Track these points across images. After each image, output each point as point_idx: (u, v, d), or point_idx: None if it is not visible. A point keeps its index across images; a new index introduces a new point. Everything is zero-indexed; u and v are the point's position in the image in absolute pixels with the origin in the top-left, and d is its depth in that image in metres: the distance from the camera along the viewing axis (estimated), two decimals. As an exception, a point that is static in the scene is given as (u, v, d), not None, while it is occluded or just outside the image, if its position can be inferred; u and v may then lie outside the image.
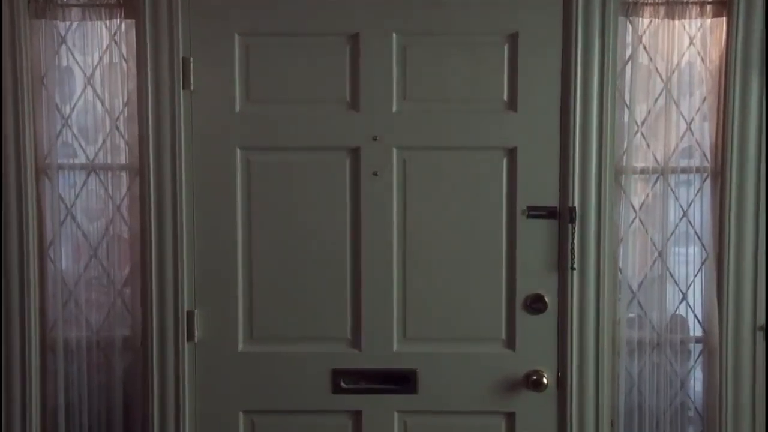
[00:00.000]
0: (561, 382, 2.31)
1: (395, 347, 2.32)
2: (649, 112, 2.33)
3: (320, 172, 2.29)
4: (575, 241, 2.26)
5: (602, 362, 2.29)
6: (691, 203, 2.37)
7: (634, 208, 2.37)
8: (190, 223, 2.30)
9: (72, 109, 2.35)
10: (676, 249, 2.37)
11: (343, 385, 2.32)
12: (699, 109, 2.34)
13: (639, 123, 2.34)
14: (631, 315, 2.38)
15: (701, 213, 2.36)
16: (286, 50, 2.27)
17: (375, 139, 2.27)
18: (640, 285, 2.37)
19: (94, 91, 2.35)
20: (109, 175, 2.36)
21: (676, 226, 2.37)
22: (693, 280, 2.39)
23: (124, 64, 2.32)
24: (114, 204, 2.37)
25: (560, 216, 2.28)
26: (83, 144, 2.36)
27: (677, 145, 2.34)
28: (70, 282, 2.38)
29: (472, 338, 2.32)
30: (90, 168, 2.37)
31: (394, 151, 2.28)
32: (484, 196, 2.29)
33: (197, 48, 2.26)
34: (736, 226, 2.30)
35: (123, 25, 2.32)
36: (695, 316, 2.41)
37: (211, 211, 2.30)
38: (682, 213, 2.38)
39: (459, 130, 2.27)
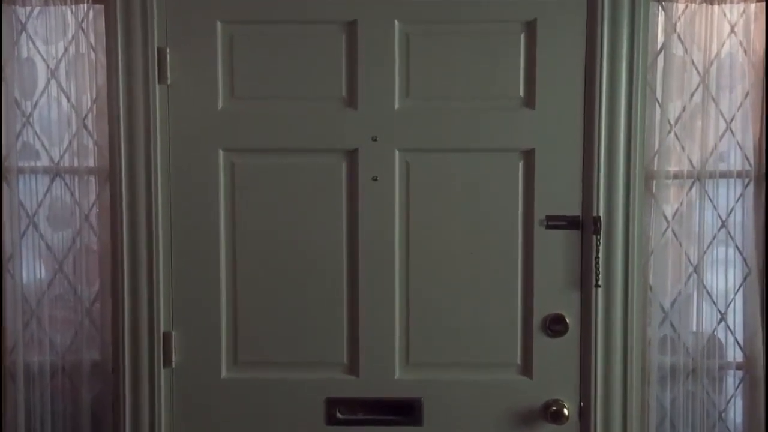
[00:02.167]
0: (584, 414, 2.30)
1: (397, 373, 2.31)
2: (683, 109, 2.32)
3: (313, 176, 2.28)
4: (600, 255, 2.24)
5: (630, 391, 2.28)
6: (731, 212, 2.36)
7: (666, 217, 2.35)
8: (167, 234, 2.29)
9: (34, 106, 2.34)
10: (714, 263, 2.37)
11: (339, 415, 2.31)
12: (741, 105, 2.33)
13: (672, 122, 2.33)
14: (663, 337, 2.37)
15: (742, 223, 2.36)
16: (274, 40, 2.25)
17: (375, 139, 2.26)
18: (672, 303, 2.36)
19: (59, 85, 2.34)
20: (76, 179, 2.35)
21: (714, 237, 2.37)
22: (733, 298, 2.38)
23: (93, 55, 2.31)
24: (81, 212, 2.36)
25: (583, 226, 2.27)
26: (47, 144, 2.35)
27: (715, 147, 2.34)
28: (32, 299, 2.37)
29: (484, 364, 2.31)
30: (54, 171, 2.36)
31: (396, 153, 2.27)
32: (497, 204, 2.27)
33: (175, 37, 2.24)
34: (782, 237, 2.29)
35: (91, 12, 2.30)
36: (735, 339, 2.40)
37: (191, 221, 2.29)
38: (720, 223, 2.37)
39: (469, 129, 2.25)
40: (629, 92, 2.22)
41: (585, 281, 2.27)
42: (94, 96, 2.31)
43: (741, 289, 2.37)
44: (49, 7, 2.30)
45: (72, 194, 2.36)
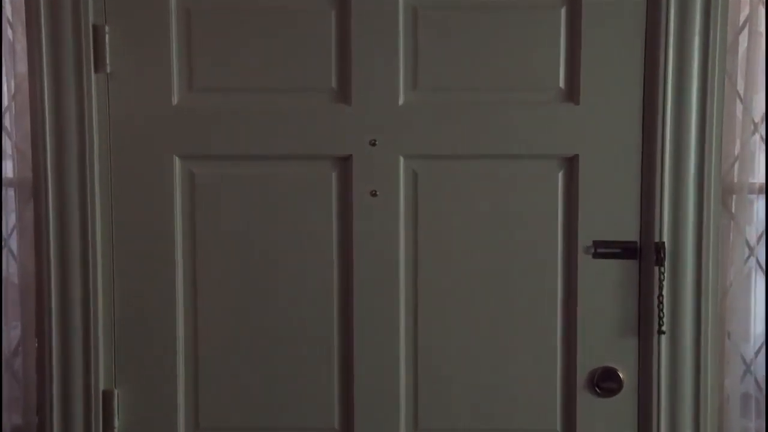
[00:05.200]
0: (643, 496, 2.26)
1: (403, 443, 2.29)
2: (773, 103, 2.29)
3: (295, 191, 2.21)
4: (664, 292, 2.14)
5: (704, 465, 2.25)
6: (832, 236, 2.33)
7: (748, 242, 2.31)
8: (107, 265, 2.22)
9: (-64, 102, 2.32)
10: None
11: (328, 496, 2.29)
12: None
13: (757, 120, 2.29)
14: (745, 396, 2.35)
15: None
16: (244, 16, 2.18)
17: (373, 143, 2.18)
18: (757, 353, 2.34)
19: (-32, 75, 2.31)
20: (-8, 194, 2.34)
21: (813, 268, 2.35)
22: (836, 348, 2.36)
23: (10, 34, 2.30)
24: (-2, 235, 2.34)
25: (642, 255, 2.17)
26: (-47, 150, 2.33)
27: (814, 152, 2.30)
28: (-65, 347, 2.35)
29: (514, 430, 2.24)
30: (-36, 184, 2.33)
31: (401, 160, 2.19)
32: (530, 227, 2.19)
33: (115, 12, 2.17)
34: None
35: (7, -20, 2.31)
36: (839, 398, 2.36)
37: (138, 247, 2.23)
38: (820, 250, 2.34)
39: (494, 130, 2.17)
40: (702, 82, 2.12)
41: (644, 326, 2.18)
42: (12, 89, 2.31)
43: None
44: (-47, -27, 2.28)
45: (-14, 213, 2.33)
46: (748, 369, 2.32)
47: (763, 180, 2.30)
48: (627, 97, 2.14)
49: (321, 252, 2.20)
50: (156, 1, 2.15)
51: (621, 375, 2.17)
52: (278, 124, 2.18)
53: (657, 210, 2.14)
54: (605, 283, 2.17)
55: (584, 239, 2.16)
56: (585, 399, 2.18)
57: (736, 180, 2.28)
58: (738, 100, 2.26)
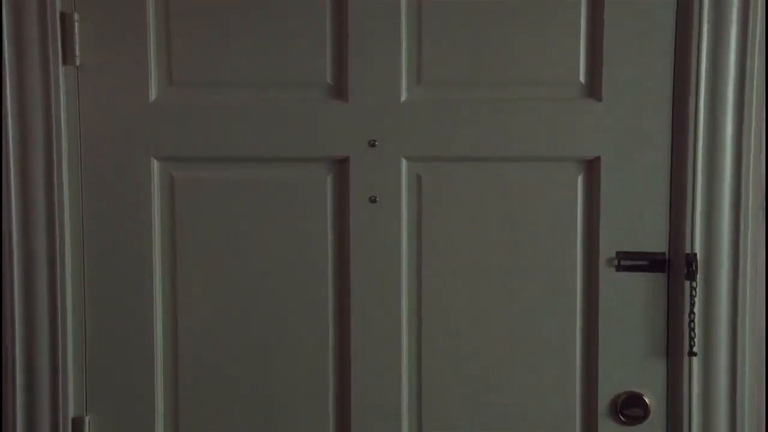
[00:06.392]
0: None
1: (405, 473, 2.25)
2: (819, 100, 2.20)
3: (287, 197, 2.18)
4: (696, 309, 2.09)
5: (741, 501, 2.21)
6: None
7: None
8: (77, 280, 2.20)
9: None
10: None
11: None
12: None
13: None
14: None
15: None
16: (230, 3, 2.15)
17: (373, 144, 2.15)
18: None
19: (-77, 68, 2.24)
20: (-51, 200, 2.30)
21: None
22: None
23: None
24: (-43, 246, 2.30)
25: (671, 268, 2.13)
26: None
27: None
28: None
29: None
30: None
31: (403, 163, 2.15)
32: (546, 236, 2.15)
33: None
34: None
35: (-35, -37, 2.21)
36: None
37: (112, 260, 2.20)
38: None
39: (506, 130, 2.13)
40: (740, 78, 2.07)
41: (673, 346, 2.14)
42: (-28, 84, 2.26)
43: None
44: None
45: (-56, 222, 2.30)
46: (790, 396, 2.32)
47: (805, 185, 2.29)
48: (655, 92, 2.09)
49: (315, 264, 2.18)
50: (131, -14, 2.16)
51: (647, 401, 2.14)
52: (267, 123, 2.15)
53: (688, 218, 2.10)
54: (630, 299, 2.13)
55: (606, 250, 2.12)
56: (607, 427, 2.15)
57: (776, 187, 2.29)
58: (779, 98, 2.24)
